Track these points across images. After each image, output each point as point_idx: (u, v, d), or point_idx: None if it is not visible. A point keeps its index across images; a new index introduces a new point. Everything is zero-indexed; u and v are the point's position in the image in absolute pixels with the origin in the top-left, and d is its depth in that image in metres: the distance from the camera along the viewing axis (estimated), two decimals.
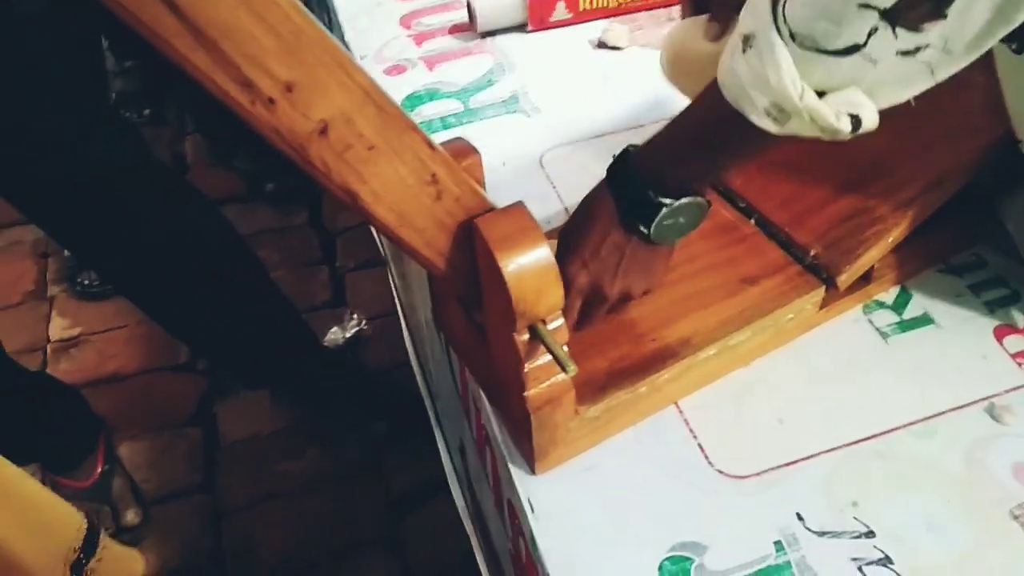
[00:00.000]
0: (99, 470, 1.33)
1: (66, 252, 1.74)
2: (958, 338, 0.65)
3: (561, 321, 0.51)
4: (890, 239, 0.63)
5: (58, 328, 1.68)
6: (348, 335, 1.57)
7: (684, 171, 0.54)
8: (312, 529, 1.34)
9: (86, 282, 1.70)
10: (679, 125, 0.54)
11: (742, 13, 0.45)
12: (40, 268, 1.80)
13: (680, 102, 0.87)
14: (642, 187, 0.55)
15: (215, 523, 1.36)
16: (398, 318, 1.36)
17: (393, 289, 1.39)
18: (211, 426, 1.49)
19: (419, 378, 1.27)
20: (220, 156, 1.94)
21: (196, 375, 1.56)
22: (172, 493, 1.40)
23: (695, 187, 0.55)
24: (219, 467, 1.43)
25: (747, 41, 0.44)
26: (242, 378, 1.46)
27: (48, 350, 1.64)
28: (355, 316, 1.60)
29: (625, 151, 0.58)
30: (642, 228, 0.56)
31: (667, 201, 0.54)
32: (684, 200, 0.55)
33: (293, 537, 1.33)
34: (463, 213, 0.49)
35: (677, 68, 0.67)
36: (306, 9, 0.39)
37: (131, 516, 1.32)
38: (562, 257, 0.58)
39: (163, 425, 1.49)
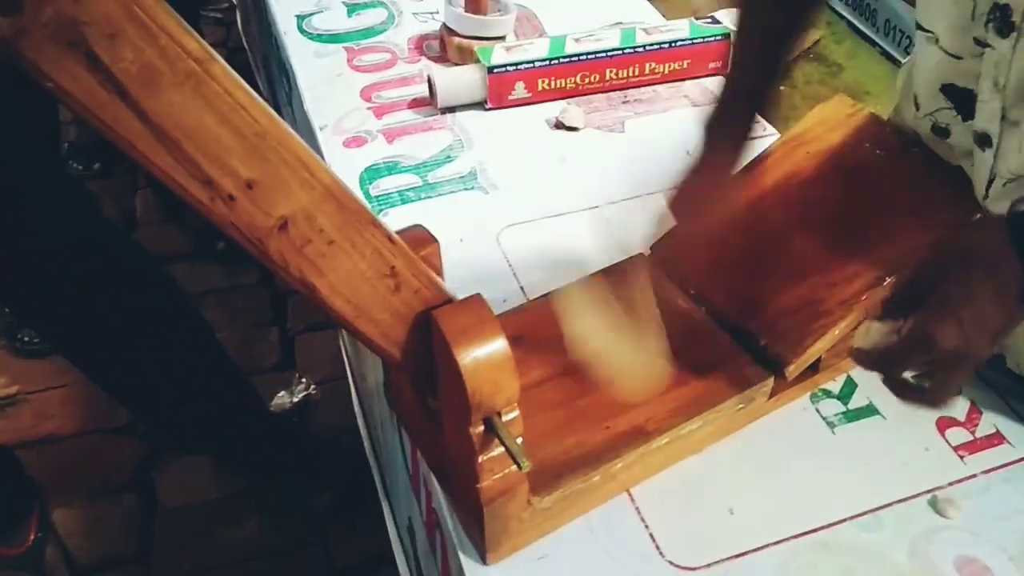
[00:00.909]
0: (32, 538, 1.27)
1: (5, 308, 1.69)
2: (902, 429, 0.67)
3: (516, 414, 0.51)
4: (837, 331, 0.65)
5: None
6: (296, 399, 1.55)
7: None
8: None
9: (26, 339, 1.65)
10: None
11: None
12: None
13: (633, 184, 0.89)
14: None
15: None
16: (348, 382, 1.34)
17: (344, 354, 1.37)
18: (149, 492, 1.44)
19: (367, 447, 1.25)
20: (171, 213, 1.92)
21: (135, 438, 1.52)
22: (106, 562, 1.34)
23: None
24: (156, 536, 1.38)
25: None
26: (183, 442, 1.42)
27: None
28: (303, 380, 1.58)
29: None
30: None
31: None
32: None
33: None
34: (421, 304, 0.49)
35: None
36: (270, 108, 0.39)
37: None
38: (929, 309, 0.51)
39: (99, 491, 1.44)
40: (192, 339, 1.22)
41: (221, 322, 1.65)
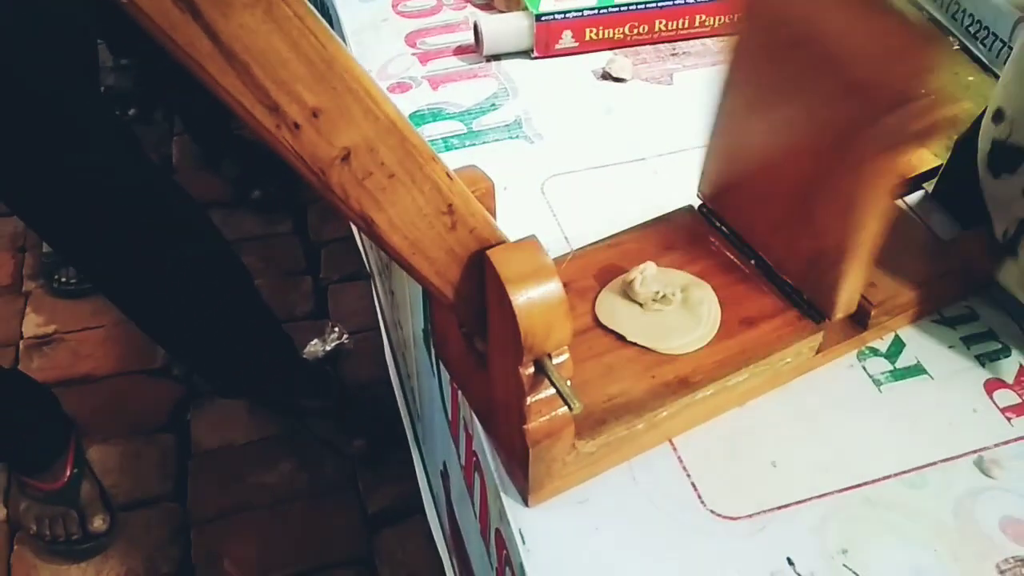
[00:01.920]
0: (68, 473, 1.31)
1: (44, 248, 1.72)
2: (950, 389, 0.66)
3: (567, 356, 0.51)
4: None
5: (32, 325, 1.65)
6: (329, 348, 1.56)
7: None
8: (284, 545, 1.32)
9: (63, 279, 1.68)
10: None
11: None
12: (17, 263, 1.77)
13: (680, 138, 0.88)
14: None
15: (184, 533, 1.34)
16: (380, 333, 1.35)
17: (376, 304, 1.38)
18: (184, 433, 1.47)
19: (399, 397, 1.26)
20: (207, 160, 1.92)
21: (171, 380, 1.54)
22: (141, 500, 1.38)
23: None
24: (190, 476, 1.41)
25: None
26: (218, 386, 1.45)
27: (20, 347, 1.61)
28: (336, 329, 1.59)
29: None
30: None
31: None
32: None
33: (264, 552, 1.31)
34: (476, 244, 0.49)
35: None
36: (337, 36, 0.39)
37: (98, 522, 1.29)
38: None
39: (135, 430, 1.47)
40: (232, 284, 1.23)
41: (255, 270, 1.66)
